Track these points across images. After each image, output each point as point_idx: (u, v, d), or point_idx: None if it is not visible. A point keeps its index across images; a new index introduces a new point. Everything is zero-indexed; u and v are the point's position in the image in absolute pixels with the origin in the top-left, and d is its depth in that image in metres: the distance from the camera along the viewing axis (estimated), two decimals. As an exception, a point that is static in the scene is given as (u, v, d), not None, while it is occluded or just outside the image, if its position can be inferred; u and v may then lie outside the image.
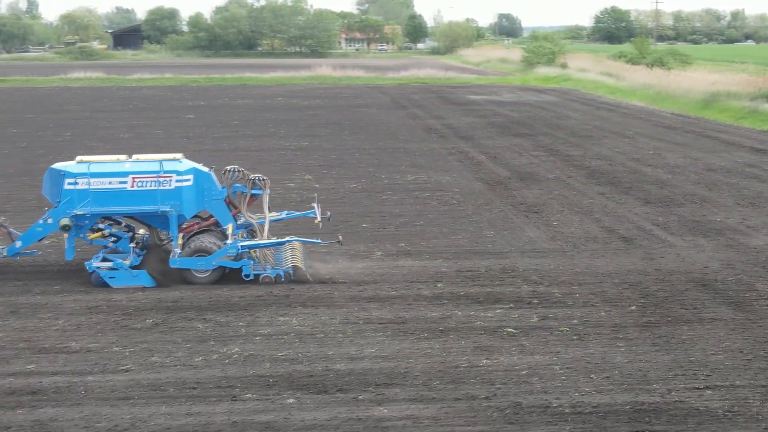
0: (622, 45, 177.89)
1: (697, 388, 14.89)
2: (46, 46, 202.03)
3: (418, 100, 73.63)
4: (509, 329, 17.75)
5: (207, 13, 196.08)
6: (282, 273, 21.14)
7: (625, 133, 50.49)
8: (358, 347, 16.78)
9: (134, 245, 21.76)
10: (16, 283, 21.13)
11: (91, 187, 21.00)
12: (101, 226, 21.78)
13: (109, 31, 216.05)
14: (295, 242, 22.49)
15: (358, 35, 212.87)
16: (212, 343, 17.08)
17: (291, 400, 14.41)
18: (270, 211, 22.84)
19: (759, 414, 13.88)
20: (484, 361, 16.09)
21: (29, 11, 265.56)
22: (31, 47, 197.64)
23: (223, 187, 21.97)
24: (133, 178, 21.06)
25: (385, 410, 14.01)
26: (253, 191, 22.22)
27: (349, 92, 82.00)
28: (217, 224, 22.02)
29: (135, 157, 21.88)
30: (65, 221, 21.02)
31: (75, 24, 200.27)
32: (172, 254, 21.13)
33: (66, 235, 21.41)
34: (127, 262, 21.07)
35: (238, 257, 21.06)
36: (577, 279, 21.34)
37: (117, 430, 13.35)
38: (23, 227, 22.74)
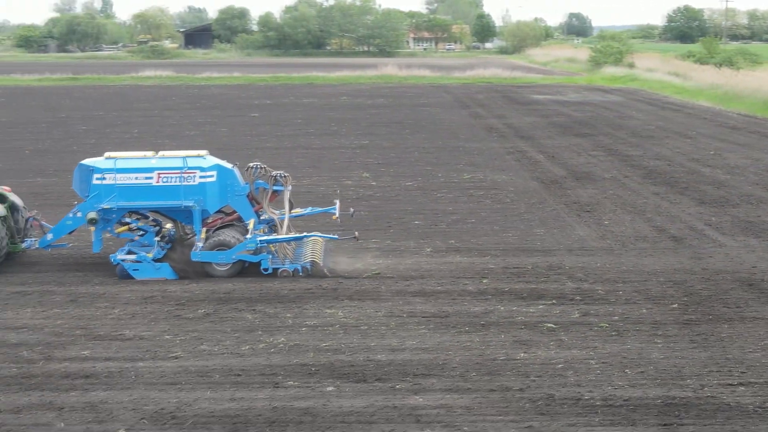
0: (693, 44, 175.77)
1: (731, 385, 15.10)
2: (119, 45, 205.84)
3: (481, 100, 73.84)
4: (549, 324, 18.09)
5: (277, 13, 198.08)
6: (299, 267, 21.75)
7: (687, 134, 50.21)
8: (400, 339, 17.28)
9: (159, 239, 22.51)
10: (76, 273, 22.04)
11: (117, 182, 21.82)
12: (128, 219, 22.56)
13: (181, 30, 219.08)
14: (317, 238, 23.05)
15: (426, 35, 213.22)
16: (260, 333, 17.71)
17: (330, 388, 14.96)
18: (294, 207, 23.51)
19: (789, 410, 14.08)
20: (522, 354, 16.47)
21: (103, 10, 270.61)
22: (104, 46, 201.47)
23: (245, 184, 22.62)
24: (159, 173, 21.83)
25: (421, 399, 14.49)
26: (275, 188, 22.87)
27: (413, 91, 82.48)
28: (239, 219, 22.68)
29: (161, 153, 22.68)
30: (92, 215, 21.85)
31: (147, 23, 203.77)
32: (194, 248, 21.90)
33: (92, 228, 22.26)
34: (150, 255, 21.88)
35: (256, 251, 21.73)
36: (622, 277, 21.57)
37: (163, 413, 14.01)
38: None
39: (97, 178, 21.91)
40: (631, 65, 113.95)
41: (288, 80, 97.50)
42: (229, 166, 22.72)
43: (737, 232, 26.40)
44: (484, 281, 21.22)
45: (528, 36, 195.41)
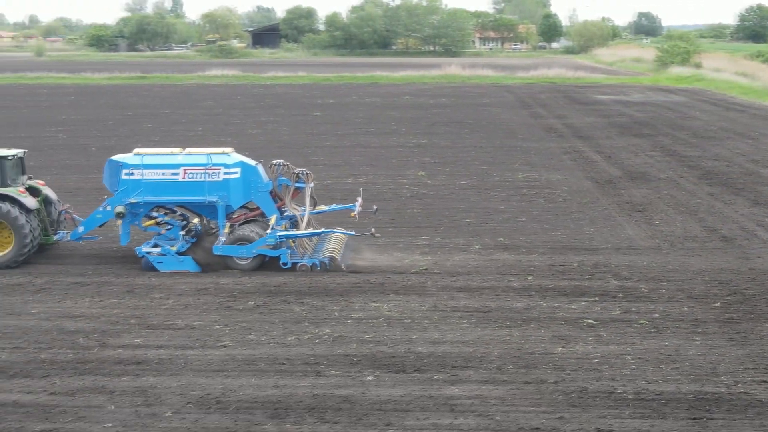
0: (765, 44, 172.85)
1: (765, 382, 15.31)
2: (188, 44, 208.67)
3: (543, 100, 73.80)
4: (589, 320, 18.41)
5: (344, 13, 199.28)
6: (318, 262, 22.31)
7: (749, 135, 49.83)
8: (441, 332, 17.74)
9: (184, 233, 23.17)
10: (134, 265, 22.86)
11: (144, 177, 22.66)
12: (155, 214, 23.35)
13: (249, 30, 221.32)
14: (340, 234, 23.63)
15: (492, 34, 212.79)
16: (306, 324, 18.29)
17: (370, 378, 15.48)
18: (319, 204, 24.25)
19: (820, 407, 14.25)
20: (560, 349, 16.82)
21: (173, 10, 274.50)
22: (173, 45, 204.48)
23: (269, 180, 23.24)
24: (185, 170, 22.61)
25: (457, 389, 14.94)
26: (297, 184, 23.45)
27: (476, 91, 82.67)
28: (263, 215, 23.28)
29: (187, 150, 23.42)
30: (120, 209, 22.74)
31: (216, 23, 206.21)
32: (216, 242, 22.58)
33: (119, 222, 23.10)
34: (174, 249, 22.63)
35: (276, 246, 22.33)
36: (666, 276, 21.77)
37: (208, 398, 14.65)
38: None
39: (126, 174, 22.76)
40: (698, 65, 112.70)
41: (352, 80, 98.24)
42: (252, 163, 23.40)
43: (789, 233, 26.38)
44: (529, 278, 21.58)
45: (595, 36, 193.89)
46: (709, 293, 20.35)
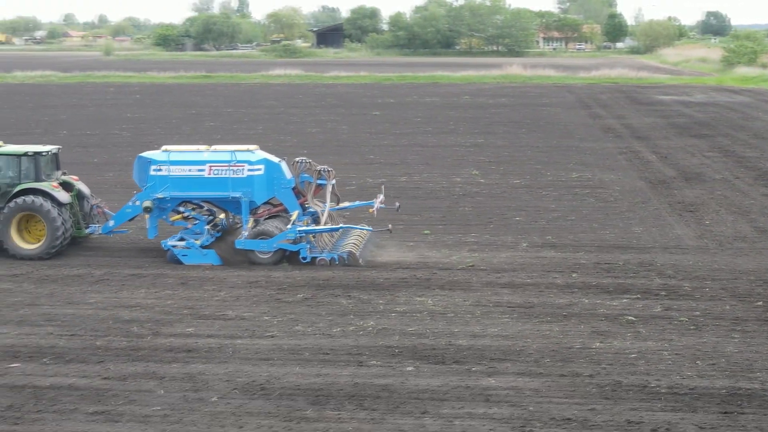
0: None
1: (800, 379, 15.50)
2: (253, 43, 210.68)
3: (604, 100, 73.54)
4: (630, 317, 18.70)
5: (407, 13, 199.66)
6: (336, 257, 22.91)
7: (811, 136, 49.31)
8: (483, 327, 18.17)
9: (209, 227, 23.90)
10: (189, 259, 23.62)
11: (171, 173, 23.48)
12: (181, 209, 24.11)
13: (314, 29, 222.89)
14: (362, 231, 24.23)
15: (555, 34, 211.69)
16: (352, 317, 18.85)
17: (410, 368, 15.98)
18: (342, 201, 24.99)
19: None
20: (597, 344, 17.16)
21: (240, 10, 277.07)
22: (239, 45, 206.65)
23: (291, 177, 23.89)
24: (210, 166, 23.34)
25: (493, 381, 15.38)
26: (319, 181, 24.07)
27: (536, 91, 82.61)
28: (286, 211, 23.90)
29: (213, 147, 24.13)
30: (147, 203, 23.60)
31: (281, 23, 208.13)
32: (239, 236, 23.24)
33: (147, 216, 23.90)
34: (198, 242, 23.37)
35: (296, 241, 22.97)
36: (711, 275, 21.93)
37: (253, 385, 15.28)
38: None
39: (154, 170, 23.64)
40: (766, 65, 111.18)
41: (413, 79, 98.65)
42: (276, 160, 24.10)
43: (841, 234, 26.30)
44: (574, 275, 21.90)
45: (660, 35, 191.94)
46: (753, 292, 20.49)
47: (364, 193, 32.89)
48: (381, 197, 24.98)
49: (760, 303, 19.68)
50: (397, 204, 25.60)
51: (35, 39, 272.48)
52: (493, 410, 14.23)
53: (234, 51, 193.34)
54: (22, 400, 14.76)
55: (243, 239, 23.12)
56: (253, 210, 23.77)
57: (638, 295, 20.23)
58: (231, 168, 23.34)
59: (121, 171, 36.16)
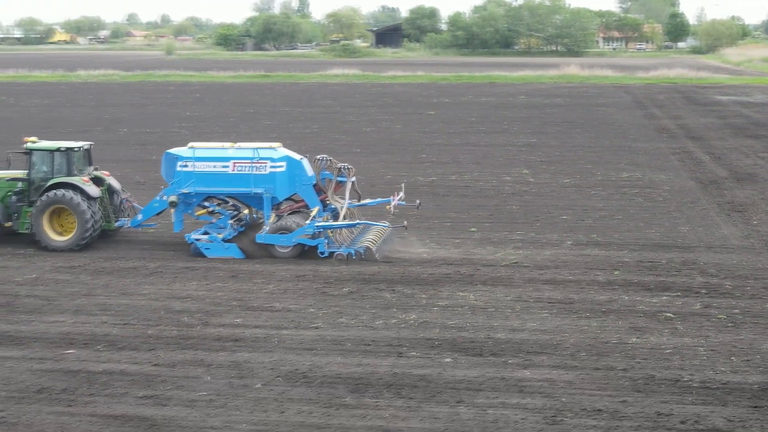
0: None
1: (834, 376, 15.68)
2: (313, 43, 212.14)
3: (660, 100, 73.22)
4: (668, 314, 18.98)
5: (467, 13, 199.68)
6: (353, 252, 23.48)
7: None
8: (522, 321, 18.58)
9: (233, 222, 24.66)
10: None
11: (196, 169, 24.26)
12: (206, 204, 24.90)
13: (373, 29, 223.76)
14: (381, 227, 24.81)
15: (616, 34, 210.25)
16: (394, 310, 19.37)
17: (448, 360, 16.46)
18: (365, 198, 25.75)
19: None
20: (634, 339, 17.48)
21: (300, 10, 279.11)
22: (299, 45, 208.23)
23: (312, 174, 24.57)
24: (234, 163, 24.05)
25: (528, 373, 15.80)
26: (339, 178, 24.68)
27: (592, 91, 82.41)
28: (307, 207, 24.52)
29: (238, 144, 24.85)
30: (173, 198, 24.45)
31: (340, 23, 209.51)
32: (261, 231, 23.91)
33: (172, 210, 24.68)
34: (221, 236, 24.12)
35: (314, 236, 23.59)
36: (754, 274, 22.09)
37: (296, 373, 15.87)
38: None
39: (181, 166, 24.46)
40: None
41: (470, 79, 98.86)
42: (297, 157, 24.79)
43: None
44: (616, 273, 22.19)
45: (723, 35, 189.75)
46: (795, 292, 20.63)
47: (414, 191, 33.39)
48: (401, 194, 25.53)
49: (801, 302, 19.82)
50: (418, 201, 26.15)
51: (99, 38, 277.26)
52: (526, 400, 14.66)
53: (293, 51, 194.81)
54: (76, 383, 15.50)
55: (264, 234, 23.81)
56: (276, 206, 24.49)
57: (678, 293, 20.48)
58: (254, 165, 24.10)
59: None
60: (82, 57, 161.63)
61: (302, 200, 24.75)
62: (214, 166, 24.31)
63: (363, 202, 25.66)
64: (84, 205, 24.37)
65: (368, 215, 26.59)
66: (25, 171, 25.57)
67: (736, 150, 43.91)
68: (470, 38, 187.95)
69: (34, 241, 25.02)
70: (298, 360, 16.52)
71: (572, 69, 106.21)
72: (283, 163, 24.26)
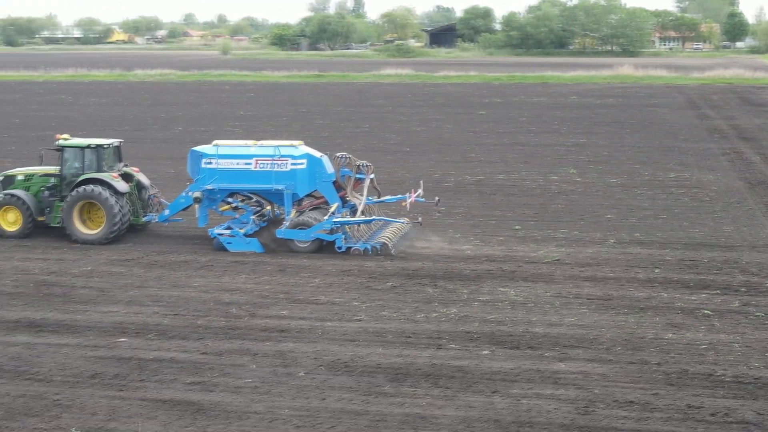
0: None
1: None
2: (367, 43, 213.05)
3: (714, 101, 72.70)
4: (706, 311, 19.25)
5: (521, 12, 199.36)
6: (369, 247, 24.10)
7: None
8: (560, 316, 18.98)
9: (255, 217, 25.39)
10: (286, 249, 24.91)
11: (220, 166, 25.05)
12: (230, 200, 25.67)
13: (427, 29, 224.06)
14: (399, 224, 25.48)
15: (672, 34, 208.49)
16: (436, 304, 19.87)
17: (486, 352, 16.93)
18: (386, 195, 26.46)
19: None
20: (670, 335, 17.81)
21: (355, 10, 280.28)
22: (353, 45, 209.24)
23: (332, 171, 25.23)
24: (257, 160, 24.77)
25: (563, 365, 16.21)
26: (357, 176, 25.33)
27: (645, 92, 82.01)
28: (326, 203, 25.15)
29: (260, 142, 25.53)
30: (197, 194, 25.28)
31: (394, 23, 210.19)
32: (281, 226, 24.59)
33: (197, 206, 25.46)
34: (242, 231, 24.88)
35: (332, 231, 24.24)
36: (796, 273, 22.24)
37: (338, 362, 16.44)
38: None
39: (205, 163, 25.29)
40: None
41: (522, 79, 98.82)
42: (318, 155, 25.43)
43: None
44: (656, 271, 22.47)
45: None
46: (835, 291, 20.76)
47: (460, 190, 33.93)
48: (420, 191, 26.10)
49: (840, 301, 19.96)
50: (437, 198, 26.90)
51: (156, 38, 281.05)
52: (560, 392, 15.08)
53: (348, 51, 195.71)
54: (127, 370, 16.22)
55: (284, 229, 24.51)
56: (298, 202, 25.19)
57: (718, 291, 20.72)
58: (275, 162, 24.82)
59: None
60: (140, 56, 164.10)
61: (322, 197, 25.44)
62: (237, 164, 25.10)
63: (382, 198, 26.25)
64: (112, 200, 25.33)
65: (398, 212, 26.99)
66: (58, 167, 26.57)
67: (789, 151, 43.69)
68: (524, 38, 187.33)
69: (65, 235, 25.90)
70: (340, 350, 17.08)
71: (626, 69, 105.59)
72: (304, 161, 24.97)
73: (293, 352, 17.01)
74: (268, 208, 26.20)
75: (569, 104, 69.76)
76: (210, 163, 25.26)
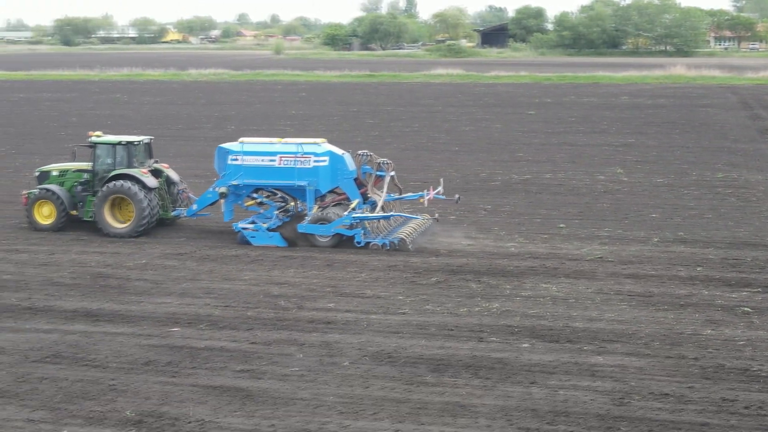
0: None
1: None
2: (419, 43, 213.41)
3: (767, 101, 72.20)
4: (746, 308, 19.51)
5: (573, 12, 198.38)
6: (387, 242, 24.74)
7: None
8: (600, 312, 19.35)
9: (279, 212, 26.15)
10: (335, 245, 25.53)
11: (245, 163, 25.86)
12: (255, 195, 26.47)
13: (479, 29, 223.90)
14: (419, 220, 26.05)
15: (728, 33, 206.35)
16: (479, 299, 20.34)
17: (525, 345, 17.37)
18: (406, 192, 27.00)
19: None
20: (708, 331, 18.11)
21: (408, 10, 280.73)
22: (405, 44, 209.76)
23: (353, 168, 25.88)
24: (281, 157, 25.50)
25: (601, 359, 16.61)
26: (378, 173, 25.85)
27: (697, 92, 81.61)
28: (348, 199, 25.78)
29: (285, 139, 26.21)
30: (223, 189, 26.14)
31: (446, 23, 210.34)
32: (302, 221, 25.32)
33: (222, 201, 26.29)
34: (265, 226, 25.64)
35: (351, 226, 24.89)
36: (839, 272, 22.36)
37: (382, 353, 16.99)
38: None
39: (231, 159, 26.13)
40: None
41: (573, 79, 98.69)
42: (340, 152, 26.14)
43: None
44: (698, 269, 22.72)
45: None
46: None
47: (507, 189, 34.32)
48: (439, 189, 26.65)
49: None
50: (457, 196, 27.30)
51: (210, 38, 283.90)
52: (597, 383, 15.48)
53: (399, 51, 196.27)
54: (179, 357, 16.89)
55: (305, 224, 25.25)
56: (320, 197, 25.90)
57: (759, 289, 20.95)
58: (298, 159, 25.55)
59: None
60: (194, 56, 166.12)
61: (344, 193, 26.12)
62: (262, 160, 25.88)
63: (402, 195, 26.82)
64: (141, 195, 26.26)
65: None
66: (90, 163, 27.51)
67: (840, 151, 43.46)
68: (576, 38, 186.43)
69: (96, 228, 26.88)
70: (384, 342, 17.62)
71: (678, 69, 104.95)
72: (326, 158, 25.69)
73: (339, 343, 17.58)
74: (292, 204, 26.88)
75: (620, 104, 69.69)
76: (236, 159, 26.09)
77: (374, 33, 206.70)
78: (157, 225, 27.36)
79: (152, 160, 28.07)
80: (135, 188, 26.31)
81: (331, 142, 27.40)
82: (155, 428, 14.00)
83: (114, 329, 18.55)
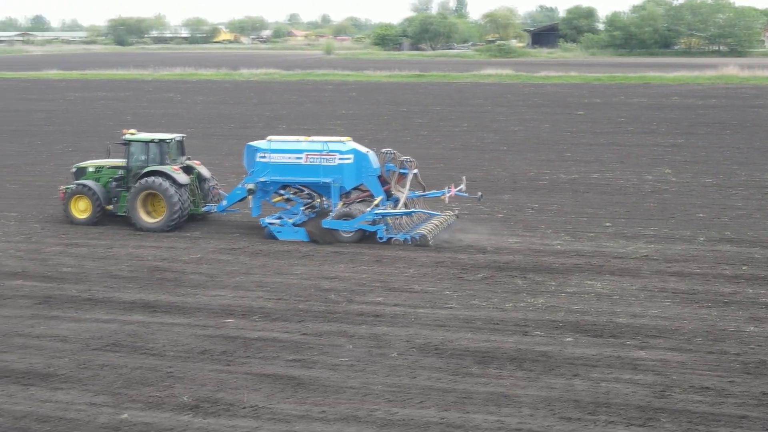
0: None
1: None
2: (469, 43, 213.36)
3: (820, 102, 71.52)
4: (789, 306, 19.76)
5: (624, 12, 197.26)
6: (409, 238, 25.34)
7: None
8: (644, 308, 19.70)
9: (305, 208, 26.91)
10: (381, 242, 26.05)
11: (272, 160, 26.62)
12: (282, 192, 27.26)
13: (530, 29, 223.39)
14: (441, 217, 26.69)
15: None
16: (524, 295, 20.77)
17: (569, 339, 17.79)
18: (428, 189, 27.64)
19: None
20: (751, 328, 18.39)
21: (458, 10, 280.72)
22: (455, 45, 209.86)
23: (377, 166, 26.49)
24: (307, 155, 26.18)
25: (643, 353, 16.97)
26: (401, 170, 26.38)
27: (750, 93, 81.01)
28: (371, 196, 26.38)
29: (311, 138, 26.85)
30: (250, 186, 26.96)
31: (496, 23, 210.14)
32: (327, 217, 25.99)
33: (250, 197, 27.07)
34: (291, 221, 26.40)
35: (374, 222, 25.53)
36: None
37: (428, 345, 17.50)
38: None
39: (260, 157, 26.90)
40: None
41: (623, 80, 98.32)
42: (364, 150, 26.82)
43: None
44: (743, 268, 22.95)
45: None
46: None
47: (554, 188, 34.63)
48: (462, 186, 27.20)
49: None
50: (480, 194, 27.88)
51: (261, 38, 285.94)
52: (638, 377, 15.86)
53: (449, 51, 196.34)
54: (234, 347, 17.54)
55: (329, 219, 25.89)
56: (345, 194, 26.54)
57: (804, 288, 21.18)
58: (323, 157, 26.23)
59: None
60: (245, 56, 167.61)
61: (368, 190, 26.75)
62: (289, 158, 26.61)
63: (426, 192, 27.43)
64: (172, 191, 27.10)
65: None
66: (125, 160, 28.40)
67: None
68: (628, 38, 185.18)
69: (130, 223, 27.78)
70: (431, 334, 18.13)
71: (731, 69, 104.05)
72: (351, 156, 26.37)
73: (387, 335, 18.13)
74: (318, 200, 27.56)
75: (670, 105, 69.47)
76: (264, 157, 26.87)
77: (424, 33, 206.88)
78: (189, 220, 28.25)
79: (184, 157, 28.98)
80: (166, 184, 27.16)
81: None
82: (211, 413, 14.64)
83: (171, 320, 19.26)
